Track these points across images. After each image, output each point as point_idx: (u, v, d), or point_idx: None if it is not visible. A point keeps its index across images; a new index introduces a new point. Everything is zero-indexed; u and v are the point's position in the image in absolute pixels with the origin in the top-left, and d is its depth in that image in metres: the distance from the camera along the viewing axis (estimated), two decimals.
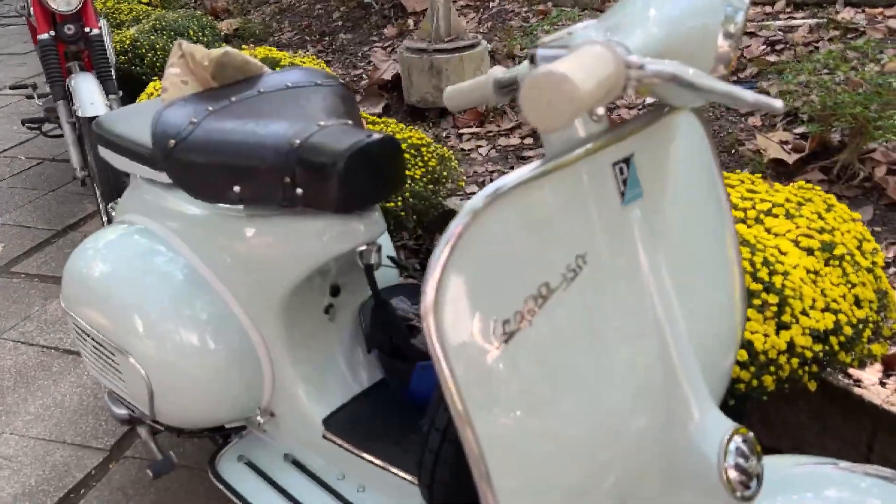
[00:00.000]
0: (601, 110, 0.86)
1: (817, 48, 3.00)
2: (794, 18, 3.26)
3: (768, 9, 3.41)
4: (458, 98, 1.15)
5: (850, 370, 1.71)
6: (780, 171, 2.47)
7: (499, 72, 1.09)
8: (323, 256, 1.29)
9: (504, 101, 1.12)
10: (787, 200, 1.59)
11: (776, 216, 1.55)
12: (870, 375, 1.72)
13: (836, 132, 2.45)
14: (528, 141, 2.98)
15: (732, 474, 0.88)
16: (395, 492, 1.38)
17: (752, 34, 3.21)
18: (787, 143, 2.59)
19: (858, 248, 1.53)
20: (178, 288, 1.42)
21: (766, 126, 2.71)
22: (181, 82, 1.40)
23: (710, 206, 1.00)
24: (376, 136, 1.21)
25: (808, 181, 2.17)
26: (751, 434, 0.92)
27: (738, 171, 2.01)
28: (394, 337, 1.37)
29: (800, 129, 2.62)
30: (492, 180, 2.75)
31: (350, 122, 1.32)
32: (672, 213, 0.94)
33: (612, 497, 0.89)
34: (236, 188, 1.27)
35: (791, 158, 2.46)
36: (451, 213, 2.43)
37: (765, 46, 3.10)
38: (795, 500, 0.93)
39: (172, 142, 1.30)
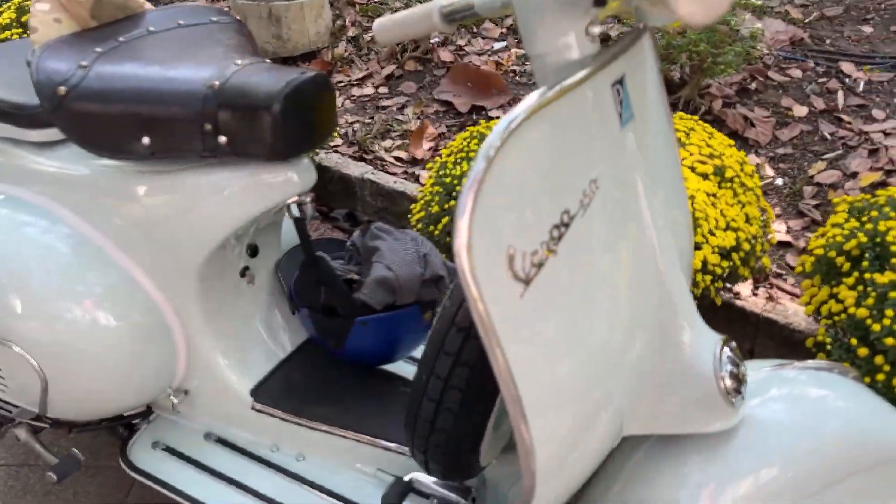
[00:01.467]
0: (597, 29, 0.84)
1: None
2: None
3: None
4: (395, 31, 1.07)
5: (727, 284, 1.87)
6: None
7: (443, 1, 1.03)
8: (251, 212, 1.18)
9: (451, 31, 1.06)
10: (677, 129, 1.68)
11: None
12: (744, 289, 1.89)
13: (675, 71, 2.62)
14: (383, 90, 2.91)
15: (728, 382, 0.92)
16: (339, 455, 1.31)
17: None
18: None
19: (741, 171, 1.65)
20: (66, 261, 1.24)
21: None
22: (53, 20, 1.19)
23: (667, 126, 1.02)
24: (310, 73, 1.11)
25: None
26: (733, 342, 0.97)
27: None
28: (328, 294, 1.29)
29: None
30: (354, 132, 2.66)
31: (267, 60, 1.20)
32: (650, 134, 0.95)
33: (615, 420, 0.91)
34: (145, 140, 1.12)
35: None
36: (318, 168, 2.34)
37: None
38: (772, 398, 0.99)
39: (63, 89, 1.11)
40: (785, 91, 2.60)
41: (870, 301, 1.26)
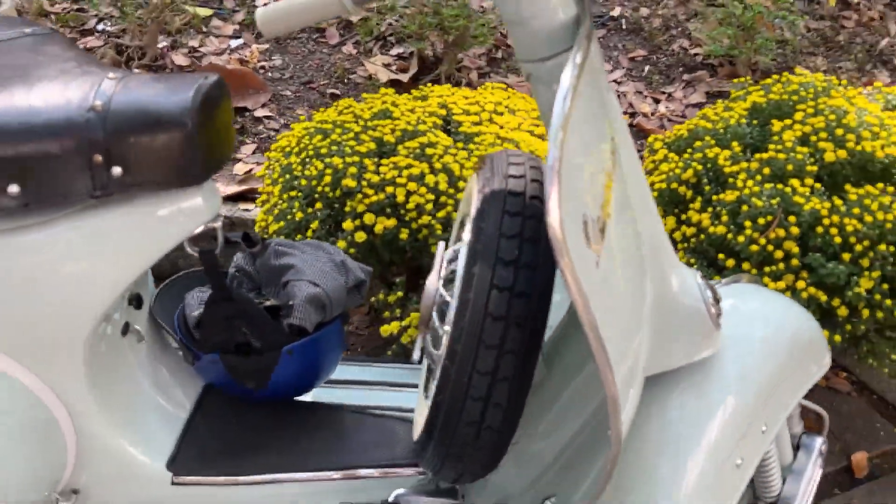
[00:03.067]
0: None
1: None
2: None
3: None
4: (288, 20, 0.96)
5: None
6: (399, 91, 2.64)
7: None
8: (156, 253, 0.98)
9: (358, 14, 0.99)
10: (498, 103, 1.74)
11: (501, 114, 1.69)
12: None
13: (428, 49, 2.70)
14: None
15: (714, 309, 1.01)
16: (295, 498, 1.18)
17: None
18: (389, 65, 2.77)
19: None
20: None
21: (362, 53, 2.84)
22: None
23: None
24: (210, 78, 0.94)
25: None
26: (699, 272, 1.06)
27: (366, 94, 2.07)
28: (249, 329, 1.13)
29: (395, 51, 2.82)
30: None
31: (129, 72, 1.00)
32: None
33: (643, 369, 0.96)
34: (12, 189, 0.87)
35: (405, 77, 2.65)
36: None
37: None
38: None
39: None
40: None
41: (724, 218, 1.45)
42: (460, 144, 1.54)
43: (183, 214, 0.98)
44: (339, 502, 1.18)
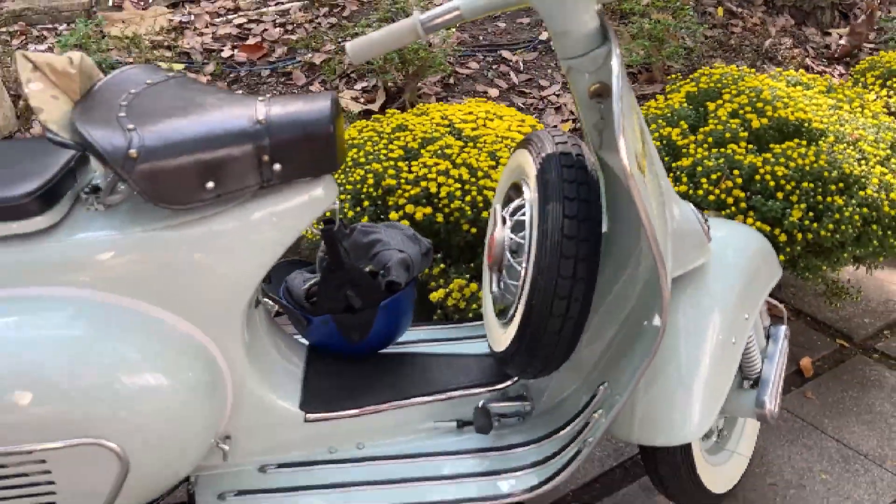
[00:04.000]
0: (599, 5, 1.23)
1: (319, 24, 3.56)
2: (282, 3, 3.74)
3: None
4: (373, 50, 1.31)
5: None
6: (369, 119, 2.98)
7: (421, 15, 1.29)
8: (299, 229, 1.28)
9: (426, 39, 1.34)
10: (488, 111, 2.12)
11: (492, 120, 2.07)
12: None
13: (390, 81, 3.06)
14: None
15: (705, 228, 1.39)
16: (395, 429, 1.48)
17: (258, 21, 3.59)
18: (357, 98, 3.11)
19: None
20: (114, 338, 1.19)
21: (329, 88, 3.17)
22: (51, 98, 1.13)
23: None
24: (329, 95, 1.27)
25: None
26: (691, 203, 1.45)
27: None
28: (356, 290, 1.43)
29: (359, 85, 3.17)
30: None
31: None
32: None
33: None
34: (210, 184, 1.16)
35: (375, 107, 3.00)
36: None
37: (279, 28, 3.52)
38: None
39: (134, 152, 1.10)
40: (475, 80, 3.23)
41: (684, 179, 1.86)
42: (471, 145, 1.90)
43: (317, 199, 1.28)
44: (432, 422, 1.49)
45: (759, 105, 1.91)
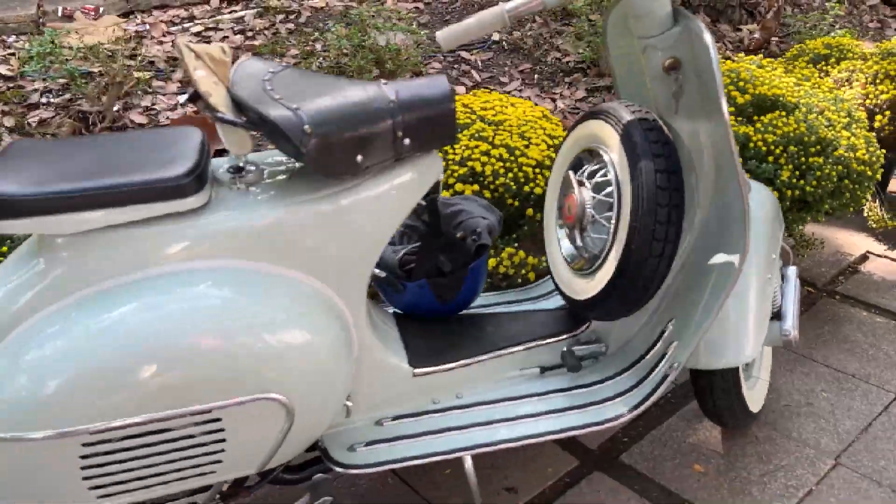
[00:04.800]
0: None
1: (278, 30, 3.64)
2: (236, 11, 3.79)
3: (204, 7, 3.83)
4: (462, 37, 1.49)
5: None
6: None
7: (507, 4, 1.48)
8: (417, 198, 1.42)
9: (511, 26, 1.53)
10: (500, 100, 2.30)
11: (506, 107, 2.26)
12: None
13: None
14: None
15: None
16: (488, 378, 1.64)
17: (215, 28, 3.62)
18: None
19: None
20: (277, 302, 1.29)
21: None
22: (214, 84, 1.23)
23: None
24: (444, 77, 1.41)
25: None
26: None
27: None
28: (448, 256, 1.58)
29: None
30: None
31: None
32: None
33: None
34: (359, 157, 1.29)
35: None
36: None
37: (239, 36, 3.57)
38: None
39: (308, 128, 1.21)
40: None
41: None
42: (501, 128, 2.09)
43: (431, 170, 1.43)
44: (519, 368, 1.67)
45: (741, 84, 2.21)
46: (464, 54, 3.60)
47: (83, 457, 1.20)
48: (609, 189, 1.54)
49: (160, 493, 1.29)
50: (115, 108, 3.04)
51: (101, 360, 1.18)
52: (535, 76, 3.52)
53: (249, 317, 1.26)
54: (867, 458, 1.81)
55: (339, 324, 1.38)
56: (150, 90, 3.23)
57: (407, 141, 1.34)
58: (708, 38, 1.37)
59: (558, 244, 1.71)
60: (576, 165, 1.68)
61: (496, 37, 3.74)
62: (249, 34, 3.61)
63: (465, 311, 1.74)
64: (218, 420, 1.25)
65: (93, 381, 1.17)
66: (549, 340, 1.67)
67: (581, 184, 1.61)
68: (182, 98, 3.29)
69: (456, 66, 3.51)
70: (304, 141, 1.22)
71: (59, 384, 1.16)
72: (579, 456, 1.85)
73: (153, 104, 3.15)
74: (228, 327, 1.24)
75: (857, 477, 1.76)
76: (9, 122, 2.91)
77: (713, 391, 1.72)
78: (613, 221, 1.50)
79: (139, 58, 3.31)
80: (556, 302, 1.82)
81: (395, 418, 1.56)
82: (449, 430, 1.54)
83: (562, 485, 1.78)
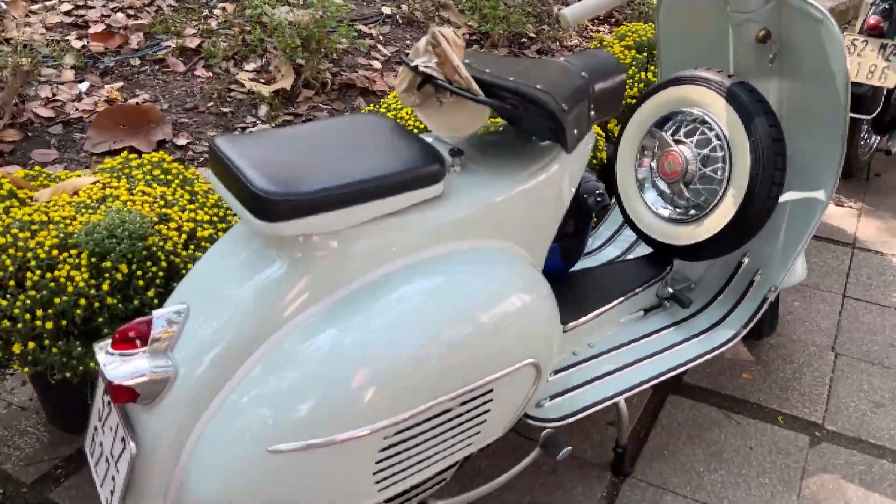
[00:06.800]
0: None
1: (160, 7, 3.34)
2: None
3: None
4: (585, 14, 1.63)
5: None
6: (284, 99, 2.99)
7: None
8: (585, 165, 1.52)
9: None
10: None
11: None
12: None
13: (289, 58, 3.09)
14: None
15: None
16: (607, 327, 1.81)
17: (86, 6, 3.24)
18: (256, 79, 3.07)
19: None
20: (512, 272, 1.34)
21: (219, 75, 3.06)
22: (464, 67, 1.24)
23: None
24: (604, 50, 1.52)
25: None
26: None
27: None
28: (575, 219, 1.70)
29: (250, 66, 3.12)
30: None
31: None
32: None
33: None
34: (576, 131, 1.36)
35: (287, 84, 3.01)
36: None
37: (121, 14, 3.22)
38: None
39: (565, 106, 1.26)
40: (353, 54, 3.38)
41: None
42: None
43: (592, 138, 1.53)
44: (628, 313, 1.85)
45: None
46: (363, 28, 3.59)
47: (382, 450, 1.18)
48: (714, 144, 1.75)
49: (423, 476, 1.30)
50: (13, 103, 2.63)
51: (401, 351, 1.16)
52: None
53: (505, 289, 1.30)
54: (853, 345, 2.27)
55: (546, 287, 1.46)
56: (45, 79, 2.83)
57: (593, 113, 1.44)
58: (814, 9, 1.63)
59: (643, 201, 1.89)
60: (657, 128, 1.87)
61: (388, 10, 3.77)
62: (131, 12, 3.27)
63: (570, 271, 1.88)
64: (489, 392, 1.29)
65: (397, 372, 1.16)
66: (646, 285, 1.87)
67: (679, 143, 1.81)
68: (83, 87, 2.94)
69: (360, 39, 3.49)
70: (562, 117, 1.28)
71: (365, 380, 1.14)
72: (652, 386, 2.08)
73: (54, 95, 2.77)
74: (494, 302, 1.28)
75: (854, 361, 2.20)
76: None
77: (771, 308, 2.05)
78: (726, 172, 1.72)
79: (11, 42, 2.87)
80: (638, 252, 2.02)
81: (555, 372, 1.66)
82: (606, 375, 1.68)
83: (650, 411, 2.00)
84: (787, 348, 2.24)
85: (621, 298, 1.81)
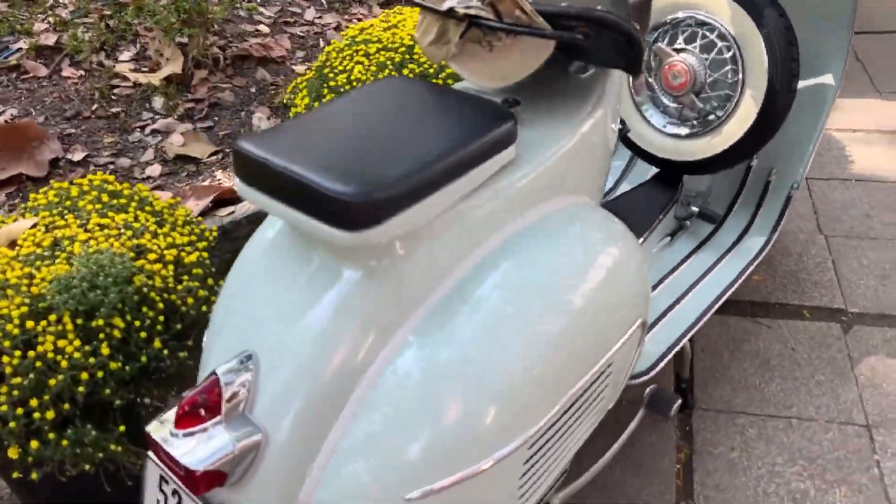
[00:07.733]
0: None
1: None
2: None
3: None
4: None
5: None
6: (181, 86, 2.62)
7: None
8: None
9: None
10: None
11: None
12: None
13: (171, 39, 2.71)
14: None
15: None
16: (647, 257, 1.69)
17: None
18: (136, 69, 2.67)
19: None
20: (598, 228, 1.19)
21: (88, 72, 2.63)
22: None
23: None
24: None
25: None
26: None
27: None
28: None
29: (125, 56, 2.70)
30: None
31: None
32: None
33: None
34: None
35: (178, 68, 2.63)
36: None
37: None
38: None
39: (637, 24, 1.12)
40: (236, 22, 3.02)
41: None
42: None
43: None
44: (657, 241, 1.75)
45: None
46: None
47: (526, 461, 1.01)
48: (719, 46, 1.63)
49: (557, 474, 1.14)
50: None
51: (527, 353, 0.99)
52: (324, 2, 3.31)
53: (603, 249, 1.15)
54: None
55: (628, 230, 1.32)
56: None
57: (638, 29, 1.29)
58: None
59: (648, 124, 1.75)
60: (662, 36, 1.72)
61: None
62: None
63: None
64: (610, 365, 1.14)
65: (529, 376, 0.98)
66: (665, 210, 1.76)
67: (680, 51, 1.67)
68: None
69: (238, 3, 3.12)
70: (640, 39, 1.12)
71: (501, 395, 0.96)
72: None
73: None
74: (599, 268, 1.12)
75: (843, 239, 2.22)
76: None
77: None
78: (740, 74, 1.61)
79: None
80: (641, 177, 1.91)
81: None
82: (665, 315, 1.57)
83: None
84: (780, 241, 2.22)
85: (649, 231, 1.69)
